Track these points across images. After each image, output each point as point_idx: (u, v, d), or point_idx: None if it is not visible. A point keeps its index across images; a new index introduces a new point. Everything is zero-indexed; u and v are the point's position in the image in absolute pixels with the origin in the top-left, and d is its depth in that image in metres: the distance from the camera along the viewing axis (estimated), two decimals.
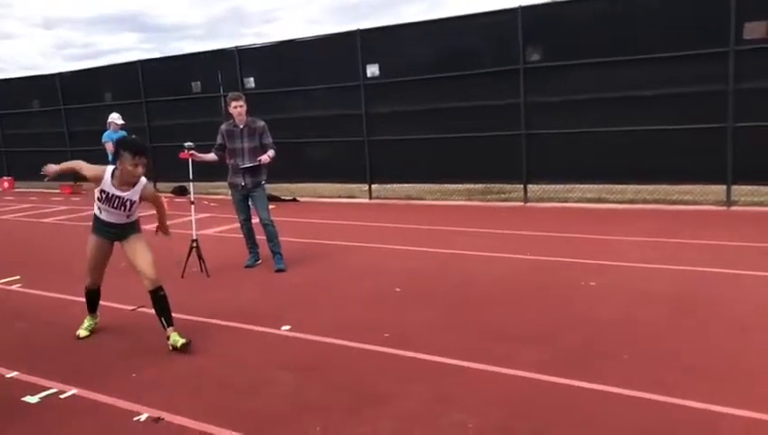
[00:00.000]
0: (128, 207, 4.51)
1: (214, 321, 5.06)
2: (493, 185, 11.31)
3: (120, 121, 10.86)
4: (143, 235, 4.68)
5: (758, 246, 6.57)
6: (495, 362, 3.95)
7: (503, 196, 11.03)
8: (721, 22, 8.63)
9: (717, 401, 3.30)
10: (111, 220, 4.56)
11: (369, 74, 11.71)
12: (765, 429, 3.04)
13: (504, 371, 3.83)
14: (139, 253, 4.53)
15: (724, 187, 9.01)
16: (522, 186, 10.58)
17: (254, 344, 4.53)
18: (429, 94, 11.06)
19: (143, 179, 4.50)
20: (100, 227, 4.61)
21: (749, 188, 9.01)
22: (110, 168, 4.47)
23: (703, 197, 9.25)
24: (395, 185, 12.09)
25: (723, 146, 8.87)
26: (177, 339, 4.41)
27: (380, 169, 11.90)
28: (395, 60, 11.46)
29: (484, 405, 3.42)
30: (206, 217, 10.19)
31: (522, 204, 10.43)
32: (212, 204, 11.90)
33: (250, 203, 6.81)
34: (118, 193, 4.45)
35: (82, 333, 4.80)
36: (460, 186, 11.45)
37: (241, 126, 6.62)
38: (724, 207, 8.91)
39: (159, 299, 4.50)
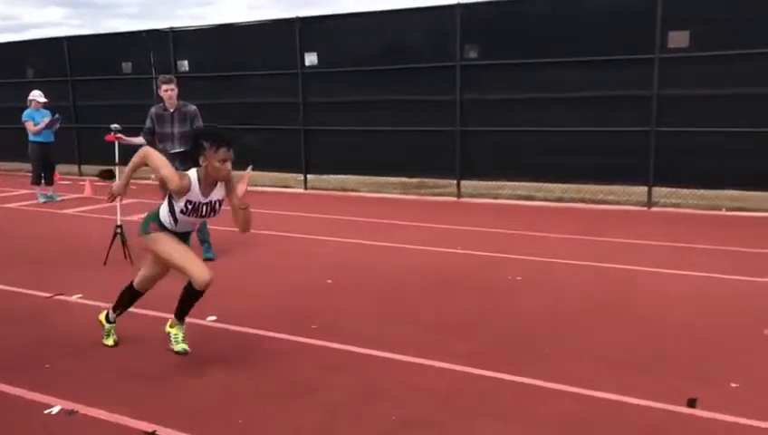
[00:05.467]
0: (217, 210, 3.84)
1: (136, 310, 4.85)
2: (427, 179, 11.42)
3: (43, 99, 10.36)
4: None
5: (675, 246, 6.90)
6: (422, 354, 3.99)
7: (437, 190, 11.15)
8: (648, 30, 8.97)
9: (631, 392, 3.44)
10: (187, 229, 3.91)
11: (307, 63, 11.57)
12: (675, 419, 3.20)
13: (429, 363, 3.88)
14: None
15: (646, 188, 9.40)
16: (455, 181, 10.73)
17: None
18: (367, 86, 11.04)
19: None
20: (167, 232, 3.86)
21: (668, 190, 9.43)
22: (194, 175, 3.68)
23: (626, 197, 9.62)
24: (331, 176, 12.03)
25: (645, 149, 9.25)
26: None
27: (316, 159, 11.80)
28: (334, 50, 11.38)
29: (410, 397, 3.45)
30: (132, 202, 9.84)
31: (455, 199, 10.58)
32: (132, 187, 11.50)
33: None
34: (205, 199, 3.74)
35: (188, 347, 3.85)
36: (396, 179, 11.49)
37: (171, 110, 6.44)
38: (645, 208, 9.31)
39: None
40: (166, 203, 3.79)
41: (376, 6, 11.32)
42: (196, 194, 3.68)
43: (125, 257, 6.36)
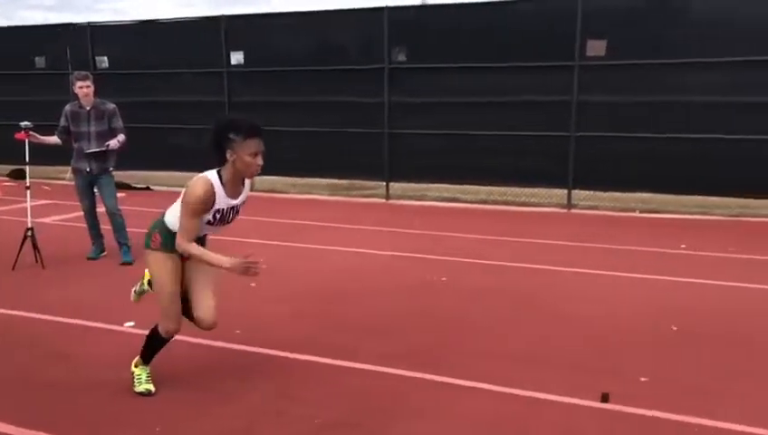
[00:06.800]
0: (239, 212, 3.42)
1: (47, 317, 4.67)
2: (357, 181, 11.43)
3: None
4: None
5: (592, 246, 7.18)
6: (342, 355, 3.99)
7: (365, 192, 11.18)
8: (568, 38, 9.30)
9: (547, 389, 3.55)
10: (200, 234, 3.42)
11: (233, 62, 11.37)
12: (583, 414, 3.33)
13: (350, 364, 3.88)
14: (205, 284, 3.48)
15: (566, 191, 9.75)
16: (384, 183, 10.79)
17: (94, 342, 4.25)
18: (295, 86, 10.95)
19: None
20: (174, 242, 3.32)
21: (586, 192, 9.81)
22: (215, 179, 3.20)
23: (547, 199, 9.94)
24: (257, 177, 11.81)
25: (565, 153, 9.60)
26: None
27: None
28: (261, 49, 11.22)
29: (331, 399, 3.44)
30: (45, 203, 9.39)
31: (383, 201, 10.63)
32: (46, 187, 10.98)
33: (96, 190, 6.38)
34: (232, 203, 3.30)
35: (152, 387, 3.48)
36: (324, 180, 11.44)
37: (88, 108, 6.19)
38: (566, 210, 9.65)
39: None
40: (178, 209, 3.30)
41: (304, 7, 11.24)
42: (223, 200, 3.22)
43: (36, 261, 6.06)
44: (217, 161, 3.24)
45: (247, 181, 3.42)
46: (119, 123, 6.31)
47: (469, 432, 3.14)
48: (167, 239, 3.34)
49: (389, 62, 10.34)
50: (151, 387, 3.48)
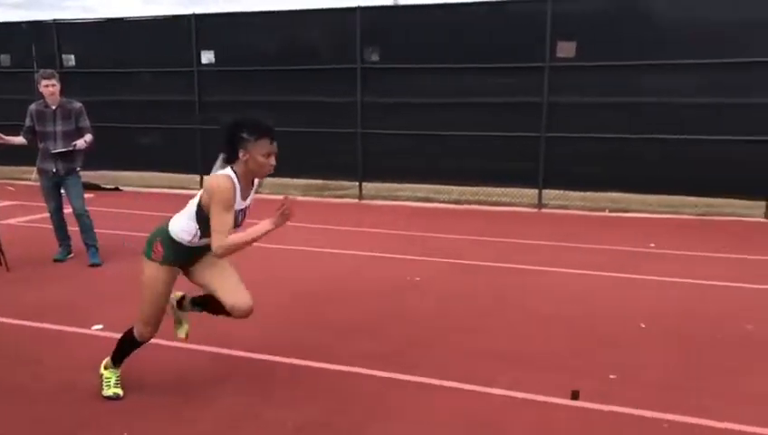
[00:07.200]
0: (247, 216, 3.36)
1: (11, 320, 4.56)
2: (331, 181, 11.39)
3: None
4: None
5: (562, 245, 7.25)
6: (317, 357, 3.97)
7: (339, 192, 11.15)
8: (539, 39, 9.39)
9: (521, 388, 3.58)
10: (203, 244, 3.27)
11: (204, 61, 11.24)
12: (560, 412, 3.36)
13: (324, 365, 3.86)
14: (228, 274, 3.37)
15: (537, 190, 9.85)
16: (357, 183, 10.77)
17: (59, 346, 4.16)
18: (268, 86, 10.86)
19: None
20: (179, 253, 3.28)
21: (557, 192, 9.92)
22: (232, 177, 3.14)
23: (518, 199, 10.02)
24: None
25: (536, 153, 9.69)
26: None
27: (214, 159, 11.43)
28: (232, 48, 11.11)
29: (305, 401, 3.42)
30: (9, 204, 9.18)
31: (357, 201, 10.62)
32: (10, 188, 10.73)
33: (62, 191, 6.26)
34: (242, 205, 3.23)
35: (120, 391, 3.42)
36: (297, 181, 11.37)
37: (54, 107, 6.06)
38: (536, 209, 9.74)
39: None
40: (191, 214, 3.21)
41: (276, 6, 11.15)
42: (237, 201, 3.16)
43: (0, 264, 5.91)
44: (225, 160, 3.19)
45: (256, 182, 3.36)
46: (86, 123, 6.19)
47: (446, 432, 3.15)
48: (168, 251, 3.26)
49: (362, 62, 10.33)
50: (120, 391, 3.42)
